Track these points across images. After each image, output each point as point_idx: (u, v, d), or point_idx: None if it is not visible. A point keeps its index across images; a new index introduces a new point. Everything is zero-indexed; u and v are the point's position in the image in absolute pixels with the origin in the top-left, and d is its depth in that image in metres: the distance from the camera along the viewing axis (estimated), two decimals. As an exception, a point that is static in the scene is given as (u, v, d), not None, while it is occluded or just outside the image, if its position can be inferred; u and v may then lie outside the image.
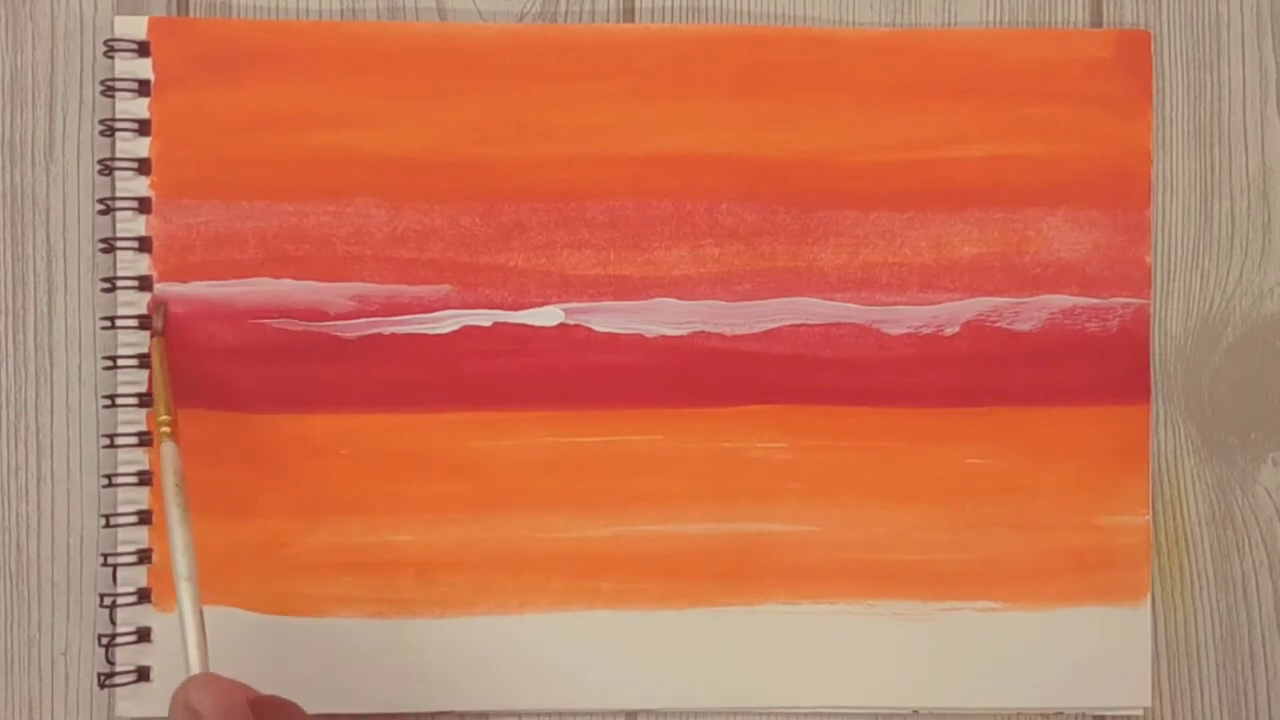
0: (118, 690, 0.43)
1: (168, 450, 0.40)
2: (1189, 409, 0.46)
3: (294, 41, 0.44)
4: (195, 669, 0.36)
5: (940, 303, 0.45)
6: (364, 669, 0.44)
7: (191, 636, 0.36)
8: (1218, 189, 0.46)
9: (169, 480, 0.39)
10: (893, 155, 0.45)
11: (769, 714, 0.45)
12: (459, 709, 0.44)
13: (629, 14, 0.45)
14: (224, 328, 0.44)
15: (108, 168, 0.43)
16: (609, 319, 0.44)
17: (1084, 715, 0.45)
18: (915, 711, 0.45)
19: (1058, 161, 0.45)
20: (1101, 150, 0.45)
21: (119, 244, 0.43)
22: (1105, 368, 0.45)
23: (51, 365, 0.44)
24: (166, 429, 0.40)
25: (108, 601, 0.43)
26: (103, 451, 0.44)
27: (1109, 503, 0.45)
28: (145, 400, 0.43)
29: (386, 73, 0.44)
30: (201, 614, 0.37)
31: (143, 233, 0.44)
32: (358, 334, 0.44)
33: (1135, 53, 0.45)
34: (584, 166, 0.44)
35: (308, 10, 0.45)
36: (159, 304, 0.43)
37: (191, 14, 0.45)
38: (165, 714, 0.43)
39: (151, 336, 0.43)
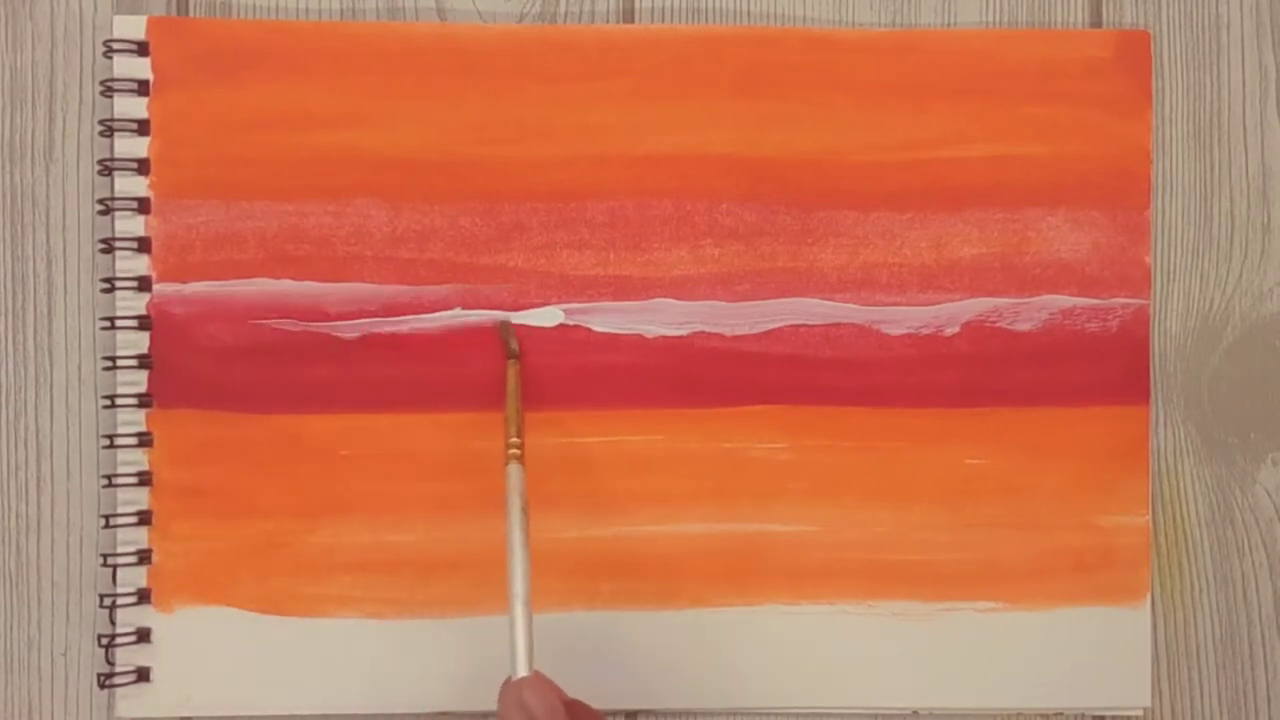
0: (118, 690, 0.43)
1: (514, 472, 0.40)
2: (1189, 409, 0.46)
3: (294, 41, 0.44)
4: (523, 672, 0.37)
5: (940, 303, 0.45)
6: (364, 669, 0.44)
7: (521, 644, 0.37)
8: (1218, 189, 0.46)
9: (515, 502, 0.39)
10: (893, 155, 0.45)
11: (769, 714, 0.45)
12: (459, 709, 0.44)
13: (629, 14, 0.45)
14: (224, 328, 0.44)
15: (107, 168, 0.43)
16: (609, 319, 0.44)
17: (1084, 715, 0.45)
18: (915, 712, 0.45)
19: (1058, 161, 0.45)
20: (1101, 150, 0.45)
21: (118, 244, 0.43)
22: (1105, 368, 0.45)
23: (51, 365, 0.44)
24: (516, 451, 0.40)
25: (108, 602, 0.43)
26: (102, 452, 0.44)
27: (1109, 503, 0.45)
28: (145, 400, 0.43)
29: (386, 73, 0.44)
30: (531, 627, 0.37)
31: (142, 233, 0.44)
32: (358, 334, 0.44)
33: (1135, 53, 0.45)
34: (584, 166, 0.44)
35: (308, 10, 0.45)
36: (507, 325, 0.44)
37: (191, 14, 0.45)
38: (165, 714, 0.44)
39: (508, 359, 0.43)
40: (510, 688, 0.36)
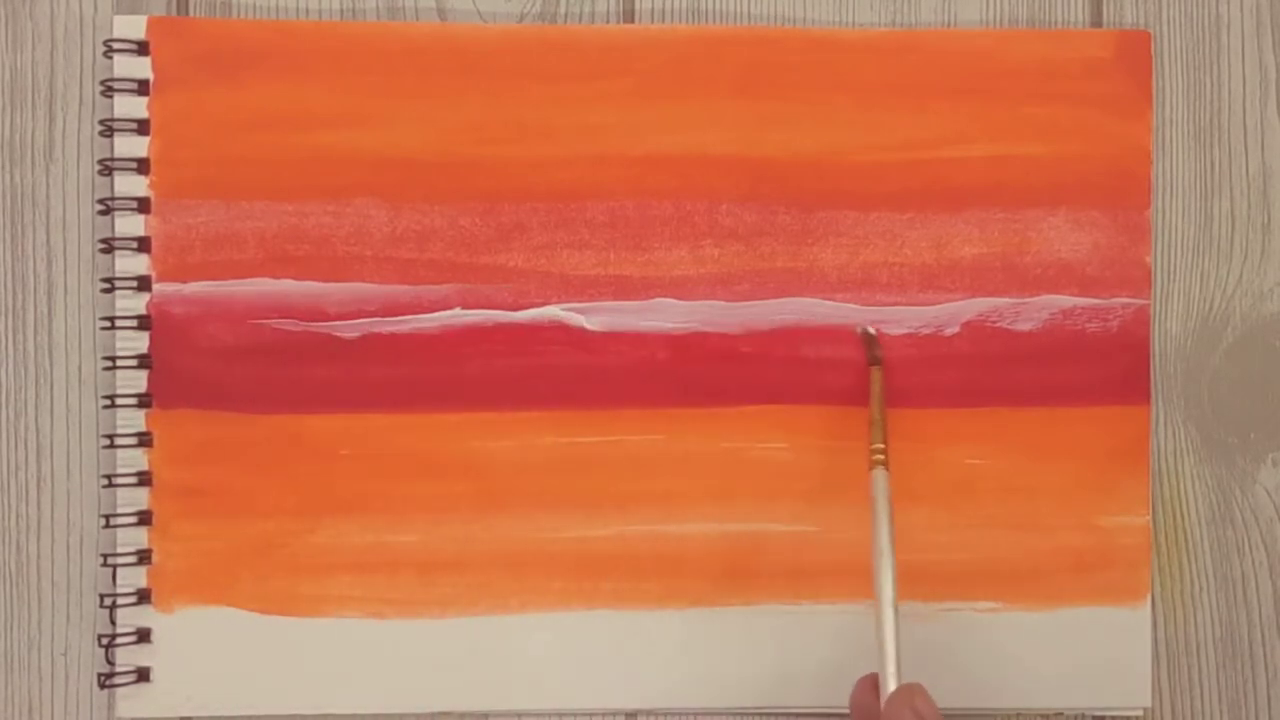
0: (118, 690, 0.43)
1: (880, 477, 0.41)
2: (1189, 409, 0.46)
3: (294, 41, 0.44)
4: (893, 674, 0.38)
5: (940, 303, 0.45)
6: (364, 669, 0.44)
7: (890, 650, 0.38)
8: (1218, 189, 0.46)
9: (882, 507, 0.40)
10: (893, 155, 0.45)
11: (769, 714, 0.45)
12: (459, 709, 0.44)
13: (629, 14, 0.45)
14: (224, 328, 0.44)
15: (107, 168, 0.43)
16: (609, 319, 0.44)
17: (1084, 715, 0.45)
18: (915, 711, 0.45)
19: (1058, 161, 0.45)
20: (1101, 150, 0.45)
21: (118, 244, 0.43)
22: (1105, 368, 0.45)
23: (51, 365, 0.44)
24: (880, 456, 0.41)
25: (108, 602, 0.43)
26: (102, 452, 0.44)
27: (1109, 503, 0.45)
28: (145, 400, 0.43)
29: (386, 73, 0.44)
30: (898, 632, 0.38)
31: (142, 233, 0.44)
32: (357, 334, 0.44)
33: (1135, 53, 0.45)
34: (584, 166, 0.44)
35: (308, 10, 0.45)
36: (870, 336, 0.44)
37: (191, 14, 0.45)
38: (165, 714, 0.44)
39: (872, 365, 0.44)
40: (902, 692, 0.37)
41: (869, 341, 0.44)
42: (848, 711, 0.45)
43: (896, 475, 0.44)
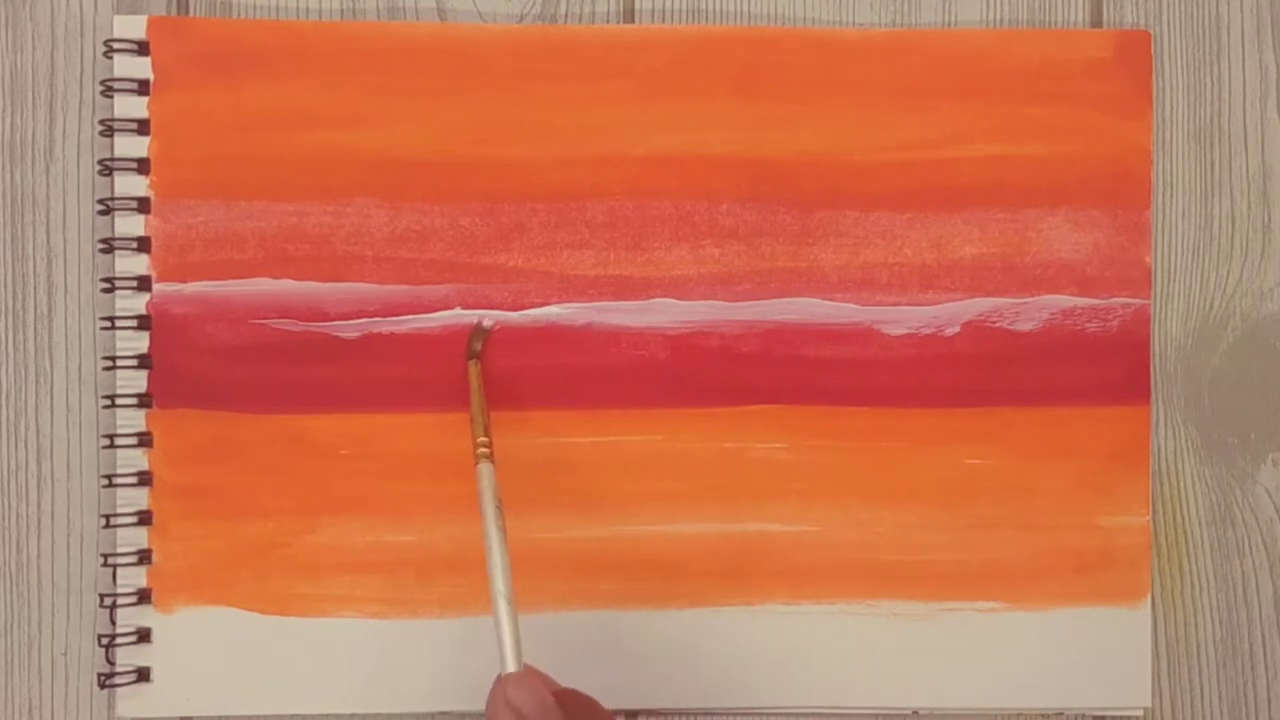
0: (118, 690, 0.43)
1: (485, 471, 0.40)
2: (1189, 409, 0.46)
3: (294, 41, 0.44)
4: (512, 668, 0.37)
5: (940, 303, 0.45)
6: (364, 669, 0.44)
7: (507, 641, 0.37)
8: (1218, 189, 0.46)
9: (488, 501, 0.39)
10: (893, 155, 0.45)
11: (769, 714, 0.45)
12: (460, 709, 0.44)
13: (629, 15, 0.45)
14: (224, 328, 0.44)
15: (107, 168, 0.43)
16: (609, 319, 0.44)
17: (1084, 715, 0.45)
18: (915, 712, 0.45)
19: (1058, 161, 0.45)
20: (1101, 150, 0.45)
21: (118, 244, 0.43)
22: (1105, 368, 0.45)
23: (51, 365, 0.44)
24: (485, 450, 0.40)
25: (108, 602, 0.43)
26: (103, 451, 0.44)
27: (1109, 503, 0.45)
28: (144, 400, 0.43)
29: (386, 73, 0.44)
30: (517, 623, 0.37)
31: (142, 233, 0.44)
32: (357, 334, 0.44)
33: (1135, 53, 0.45)
34: (584, 167, 0.44)
35: (308, 10, 0.45)
36: (481, 329, 0.44)
37: (191, 14, 0.45)
38: (165, 714, 0.43)
39: (470, 359, 0.43)
40: (496, 685, 0.36)
41: (475, 334, 0.43)
42: (848, 711, 0.45)
43: (897, 475, 0.45)
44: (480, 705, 0.44)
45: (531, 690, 0.36)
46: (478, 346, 0.43)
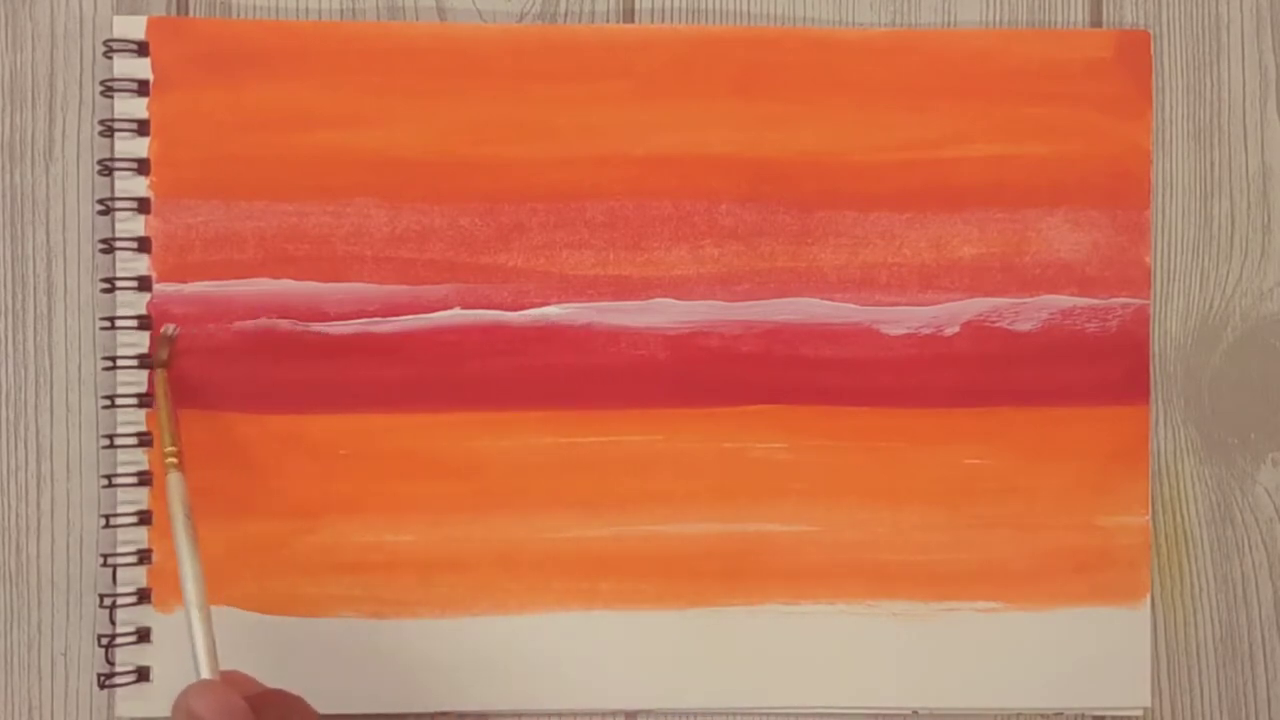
0: (118, 690, 0.43)
1: (174, 481, 0.40)
2: (1189, 409, 0.46)
3: (294, 41, 0.44)
4: (205, 675, 0.36)
5: (940, 303, 0.45)
6: (364, 669, 0.44)
7: (201, 652, 0.37)
8: (1218, 189, 0.46)
9: (177, 511, 0.39)
10: (893, 155, 0.45)
11: (769, 714, 0.45)
12: (459, 709, 0.44)
13: (629, 14, 0.45)
14: (224, 328, 0.44)
15: (107, 168, 0.43)
16: (609, 319, 0.44)
17: (1084, 715, 0.45)
18: (915, 712, 0.45)
19: (1058, 161, 0.45)
20: (1101, 150, 0.45)
21: (118, 244, 0.43)
22: (1105, 368, 0.45)
23: (51, 365, 0.44)
24: (173, 459, 0.40)
25: (108, 602, 0.43)
26: (102, 451, 0.44)
27: (1109, 503, 0.45)
28: (145, 401, 0.43)
29: (386, 73, 0.44)
30: (211, 631, 0.37)
31: (142, 233, 0.44)
32: (357, 334, 0.44)
33: (1135, 53, 0.45)
34: (584, 167, 0.44)
35: (308, 10, 0.45)
36: (166, 336, 0.43)
37: (191, 14, 0.45)
38: (165, 714, 0.43)
39: (154, 368, 0.43)
40: (179, 697, 0.35)
41: (161, 342, 0.43)
42: (847, 711, 0.45)
43: (897, 475, 0.45)
44: (480, 706, 0.44)
45: (217, 697, 0.35)
46: (164, 355, 0.43)
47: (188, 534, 0.38)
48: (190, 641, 0.37)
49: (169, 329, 0.43)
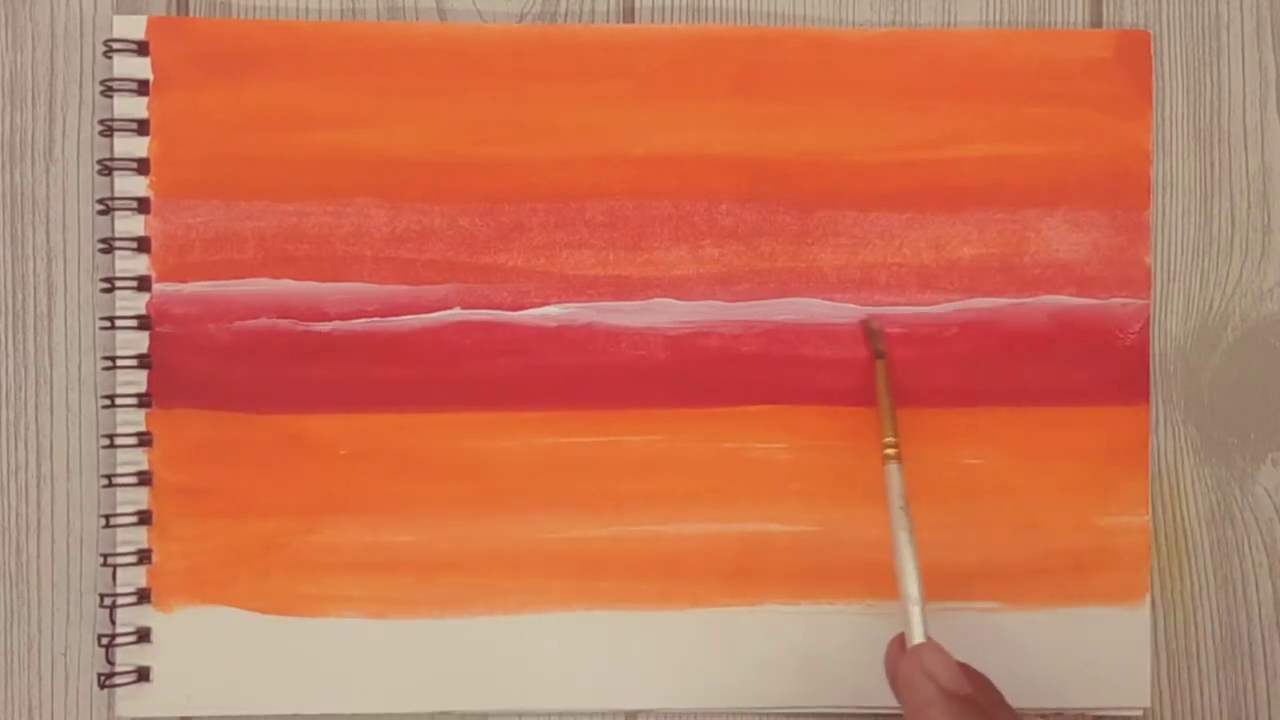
0: (118, 690, 0.43)
1: (893, 472, 0.41)
2: (1189, 409, 0.46)
3: (294, 41, 0.44)
4: (919, 640, 0.39)
5: (939, 303, 0.45)
6: (364, 669, 0.44)
7: (916, 617, 0.39)
8: (1218, 189, 0.46)
9: (895, 503, 0.40)
10: (893, 155, 0.45)
11: (769, 714, 0.45)
12: (459, 709, 0.44)
13: (629, 14, 0.45)
14: (224, 328, 0.44)
15: (107, 168, 0.43)
16: (609, 319, 0.44)
17: (1084, 715, 0.45)
18: (915, 711, 0.45)
19: (1058, 161, 0.45)
20: (1101, 150, 0.45)
21: (118, 244, 0.43)
22: (1105, 368, 0.45)
23: (51, 365, 0.44)
24: (892, 451, 0.41)
25: (108, 602, 0.43)
26: (102, 451, 0.44)
27: (1109, 503, 0.45)
28: (144, 400, 0.44)
29: (386, 73, 0.44)
30: (924, 601, 0.39)
31: (141, 233, 0.44)
32: (357, 334, 0.44)
33: (1135, 53, 0.45)
34: (584, 167, 0.44)
35: (308, 10, 0.45)
36: (874, 330, 0.44)
37: (191, 14, 0.45)
38: (165, 714, 0.44)
39: (876, 359, 0.44)
40: (907, 656, 0.38)
41: (872, 334, 0.44)
42: (847, 711, 0.45)
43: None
44: (480, 706, 0.44)
45: (947, 660, 0.38)
46: (879, 345, 0.44)
47: (907, 528, 0.40)
48: (907, 629, 0.39)
49: (874, 321, 0.44)
